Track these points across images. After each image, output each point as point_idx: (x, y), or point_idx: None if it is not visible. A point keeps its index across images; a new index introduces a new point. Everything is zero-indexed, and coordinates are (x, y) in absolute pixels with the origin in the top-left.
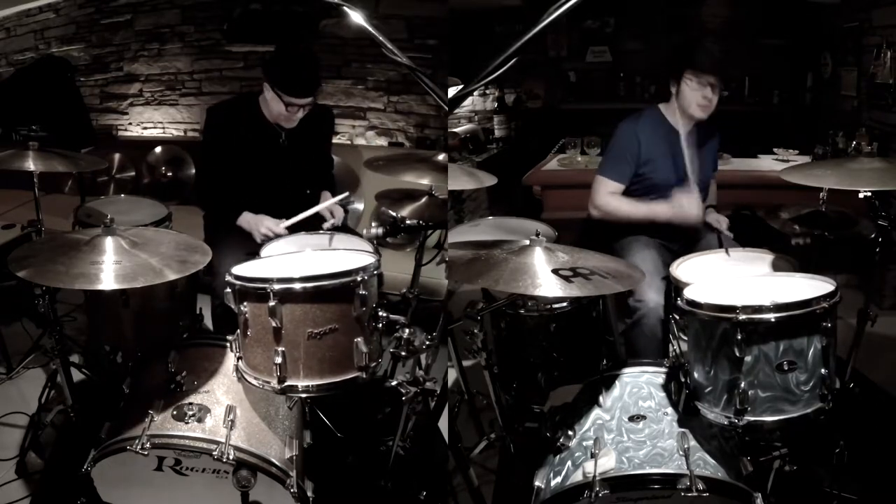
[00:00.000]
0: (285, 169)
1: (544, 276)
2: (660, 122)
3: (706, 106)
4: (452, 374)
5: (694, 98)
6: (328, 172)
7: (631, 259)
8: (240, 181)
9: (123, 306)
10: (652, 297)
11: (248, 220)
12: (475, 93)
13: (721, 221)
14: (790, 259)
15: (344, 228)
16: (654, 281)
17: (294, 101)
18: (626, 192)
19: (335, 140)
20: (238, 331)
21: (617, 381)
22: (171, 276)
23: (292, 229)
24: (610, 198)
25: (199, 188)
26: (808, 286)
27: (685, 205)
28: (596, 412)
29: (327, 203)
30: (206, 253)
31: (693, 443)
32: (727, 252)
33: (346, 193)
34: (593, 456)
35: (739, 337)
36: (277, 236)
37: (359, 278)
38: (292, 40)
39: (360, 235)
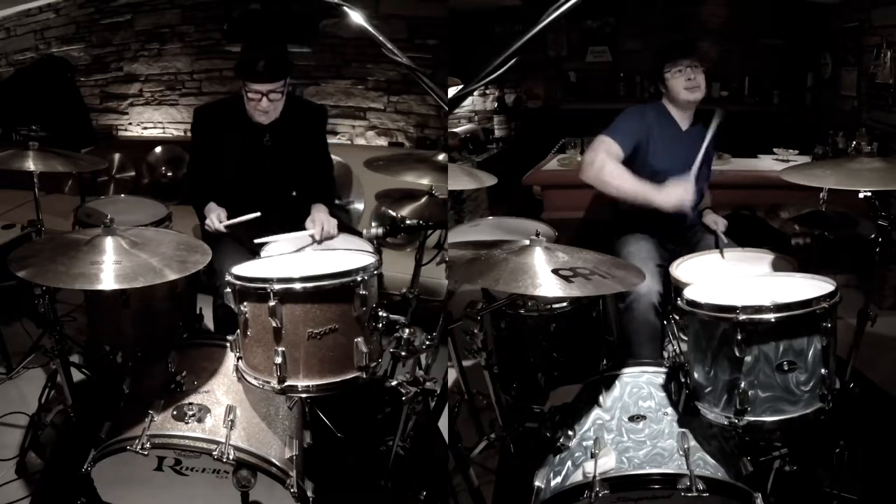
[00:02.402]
0: (268, 169)
1: (544, 276)
2: (664, 113)
3: (694, 87)
4: (452, 374)
5: (679, 83)
6: (324, 174)
7: (626, 248)
8: (224, 181)
9: (123, 306)
10: (645, 280)
11: (208, 209)
12: (475, 93)
13: (719, 223)
14: (790, 259)
15: (344, 228)
16: (648, 266)
17: (254, 87)
18: None
19: (335, 140)
20: (238, 331)
21: (617, 381)
22: (171, 276)
23: (231, 228)
24: (607, 159)
25: (186, 187)
26: (808, 286)
27: (676, 193)
28: (596, 412)
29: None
30: (206, 253)
31: (693, 443)
32: (721, 254)
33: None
34: (593, 456)
35: (739, 337)
36: (219, 231)
37: (359, 278)
38: (266, 33)
39: (360, 235)
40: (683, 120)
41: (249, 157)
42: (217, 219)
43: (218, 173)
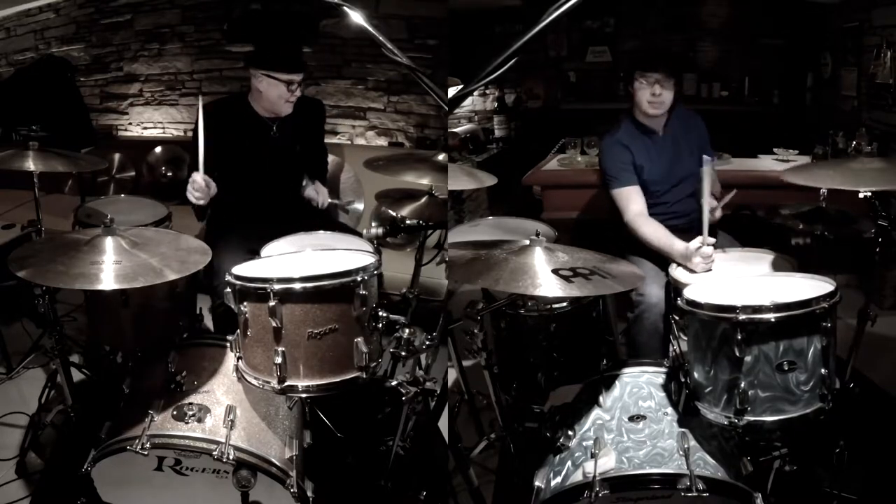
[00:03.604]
0: (278, 160)
1: (544, 276)
2: (636, 126)
3: (656, 103)
4: (452, 374)
5: (644, 96)
6: (322, 162)
7: (633, 258)
8: (234, 177)
9: (123, 306)
10: (654, 291)
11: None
12: (475, 93)
13: (716, 210)
14: (790, 259)
15: (344, 228)
16: (657, 276)
17: (294, 78)
18: None
19: (335, 140)
20: (238, 331)
21: (617, 381)
22: (171, 276)
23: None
24: (638, 216)
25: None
26: (808, 286)
27: (697, 262)
28: (596, 412)
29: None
30: (206, 253)
31: (693, 443)
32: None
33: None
34: (593, 456)
35: (739, 337)
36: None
37: (359, 278)
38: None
39: (360, 235)
40: (658, 124)
41: (258, 149)
42: (202, 179)
43: (224, 168)
